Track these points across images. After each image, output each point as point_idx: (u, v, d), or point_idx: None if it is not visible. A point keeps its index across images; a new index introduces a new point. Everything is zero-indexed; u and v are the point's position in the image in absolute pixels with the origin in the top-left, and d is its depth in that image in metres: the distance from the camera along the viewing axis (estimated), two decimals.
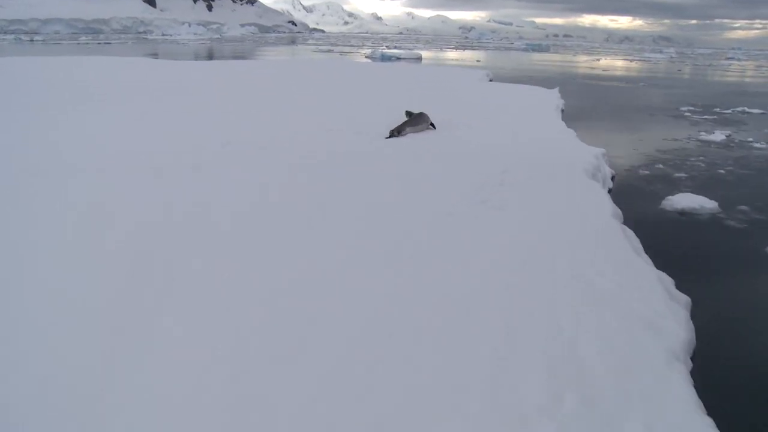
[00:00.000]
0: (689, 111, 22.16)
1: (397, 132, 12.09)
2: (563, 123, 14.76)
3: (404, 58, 54.33)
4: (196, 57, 53.87)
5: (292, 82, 23.17)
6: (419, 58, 54.54)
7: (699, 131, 17.17)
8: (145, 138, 11.09)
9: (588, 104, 23.58)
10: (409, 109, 13.53)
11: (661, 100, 27.01)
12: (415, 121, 12.67)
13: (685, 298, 5.47)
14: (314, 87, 21.32)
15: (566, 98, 21.18)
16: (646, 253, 6.42)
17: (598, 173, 9.62)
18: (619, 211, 7.57)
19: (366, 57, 57.58)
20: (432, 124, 13.00)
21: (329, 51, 72.29)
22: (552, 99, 19.29)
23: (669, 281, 5.71)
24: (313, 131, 12.39)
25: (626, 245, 6.16)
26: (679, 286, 5.75)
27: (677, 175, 11.84)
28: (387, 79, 25.79)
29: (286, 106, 16.08)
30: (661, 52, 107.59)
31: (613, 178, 10.70)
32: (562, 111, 18.62)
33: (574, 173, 8.85)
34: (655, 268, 5.89)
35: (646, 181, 11.28)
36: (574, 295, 5.02)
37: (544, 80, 34.62)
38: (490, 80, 29.56)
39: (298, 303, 4.76)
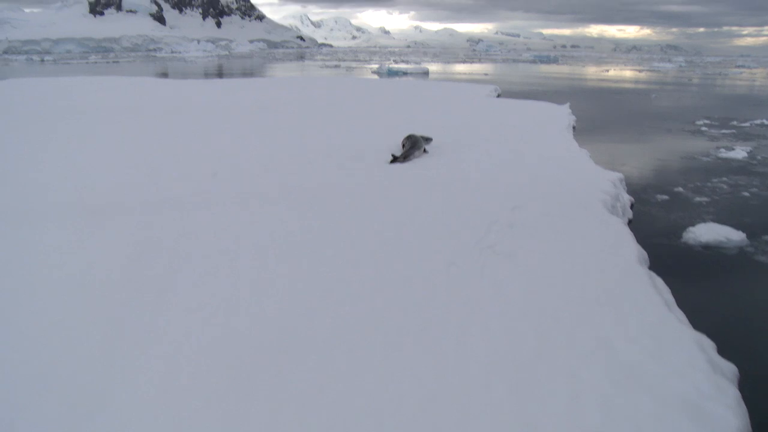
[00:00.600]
0: (705, 124, 21.26)
1: (402, 157, 11.32)
2: (576, 142, 13.92)
3: (411, 73, 53.79)
4: (198, 75, 53.54)
5: (293, 100, 22.51)
6: (426, 73, 53.97)
7: (718, 147, 16.27)
8: (123, 171, 10.38)
9: (600, 119, 22.71)
10: (413, 133, 12.75)
11: (675, 112, 26.11)
12: (418, 144, 11.91)
13: (731, 368, 4.61)
14: (316, 105, 20.63)
15: (577, 113, 20.36)
16: (679, 306, 5.55)
17: (617, 203, 8.77)
18: (645, 254, 6.66)
19: (373, 72, 57.06)
20: (424, 149, 12.24)
21: (336, 66, 71.91)
22: (563, 115, 18.47)
23: (710, 345, 4.84)
24: (310, 156, 11.65)
25: (657, 299, 5.29)
26: (722, 351, 4.88)
27: (698, 199, 10.97)
28: (391, 96, 25.11)
29: (283, 127, 15.37)
30: (669, 61, 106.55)
31: (632, 206, 9.84)
32: (574, 128, 17.80)
33: (593, 208, 7.99)
34: (692, 329, 5.02)
35: (666, 208, 10.40)
36: (599, 373, 4.18)
37: (554, 93, 33.87)
38: (498, 95, 28.82)
39: (281, 375, 3.97)
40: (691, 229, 8.80)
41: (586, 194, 8.63)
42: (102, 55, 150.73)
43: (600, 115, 23.85)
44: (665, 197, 11.10)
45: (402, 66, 62.55)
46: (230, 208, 7.95)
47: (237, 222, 7.34)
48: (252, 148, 12.56)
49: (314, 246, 6.45)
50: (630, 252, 6.27)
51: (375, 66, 66.11)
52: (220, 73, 56.05)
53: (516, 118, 17.83)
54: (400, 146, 12.28)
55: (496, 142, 13.33)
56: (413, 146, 11.72)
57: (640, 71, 71.81)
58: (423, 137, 12.57)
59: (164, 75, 50.59)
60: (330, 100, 22.66)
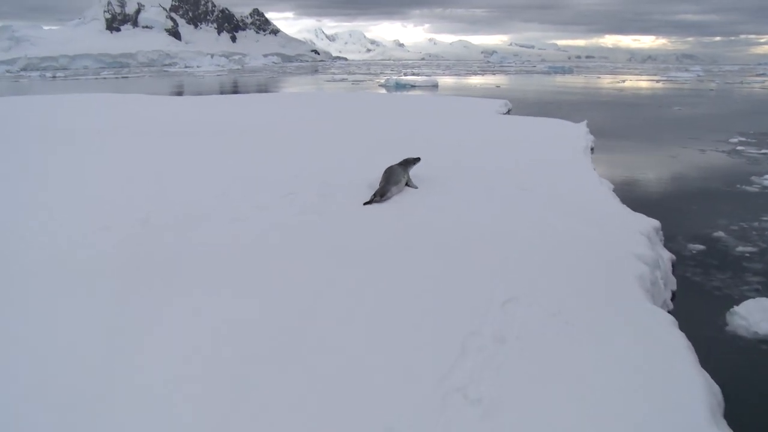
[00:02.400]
0: (741, 142, 18.87)
1: (380, 195, 9.14)
2: (595, 172, 11.62)
3: (420, 86, 51.74)
4: (192, 91, 51.92)
5: (281, 119, 20.43)
6: (435, 86, 51.85)
7: (761, 174, 13.85)
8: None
9: (620, 138, 20.30)
10: (393, 165, 10.54)
11: (703, 127, 23.69)
12: (395, 177, 9.72)
13: None
14: (303, 125, 18.52)
15: (595, 130, 18.06)
16: None
17: (657, 272, 6.51)
18: (716, 391, 4.29)
19: (380, 86, 55.09)
20: (407, 182, 10.09)
21: (343, 80, 70.07)
22: (579, 135, 16.18)
23: None
24: (263, 195, 9.50)
25: None
26: None
27: (741, 248, 8.73)
28: (391, 113, 22.96)
29: (244, 154, 13.23)
30: (687, 70, 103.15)
31: (673, 267, 7.57)
32: (592, 149, 15.51)
33: (626, 292, 5.61)
34: None
35: (709, 274, 8.04)
36: None
37: (569, 107, 31.57)
38: (509, 111, 26.60)
39: None
40: (736, 311, 6.44)
41: (615, 263, 6.30)
42: (115, 70, 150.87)
43: (620, 133, 21.42)
44: (701, 247, 8.83)
45: (412, 78, 60.55)
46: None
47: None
48: (199, 180, 10.46)
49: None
50: (693, 396, 3.88)
51: (383, 79, 64.12)
52: (218, 89, 54.36)
53: (526, 139, 15.56)
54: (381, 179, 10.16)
55: (500, 173, 11.10)
56: (389, 181, 9.54)
57: (657, 81, 69.08)
58: (408, 160, 10.42)
59: (159, 92, 48.98)
60: (322, 119, 20.55)
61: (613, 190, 10.51)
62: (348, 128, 17.85)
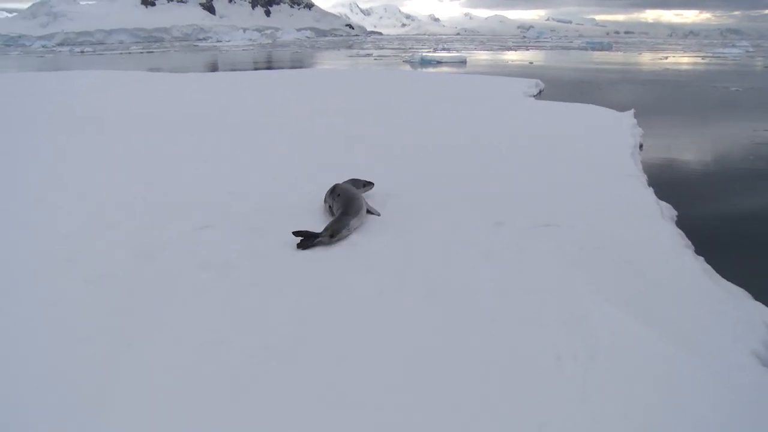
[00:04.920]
0: None
1: (329, 235, 6.26)
2: (652, 194, 8.54)
3: (447, 62, 48.32)
4: (205, 68, 49.38)
5: (273, 101, 17.61)
6: (464, 62, 48.37)
7: None
8: None
9: (674, 130, 16.86)
10: (339, 183, 7.66)
11: None
12: (355, 205, 6.84)
13: None
14: (291, 109, 15.69)
15: (642, 119, 14.79)
16: None
17: None
18: None
19: (405, 62, 51.80)
20: (366, 210, 7.05)
21: (367, 56, 66.74)
22: (624, 129, 12.99)
23: None
24: (173, 217, 6.78)
25: None
26: None
27: None
28: (404, 94, 19.92)
29: (224, 148, 10.52)
30: (733, 45, 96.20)
31: None
32: (641, 147, 12.38)
33: None
34: None
35: None
36: None
37: (609, 87, 28.03)
38: (540, 92, 23.33)
39: None
40: None
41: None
42: (145, 45, 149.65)
43: (675, 125, 17.92)
44: None
45: (440, 54, 57.05)
46: None
47: None
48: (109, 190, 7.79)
49: None
50: None
51: (408, 55, 60.63)
52: (230, 65, 51.66)
53: (555, 137, 12.45)
54: (325, 206, 7.35)
55: (511, 194, 8.15)
56: (348, 210, 6.69)
57: (702, 58, 63.87)
58: (358, 183, 7.64)
59: (171, 68, 46.55)
60: (321, 102, 17.67)
61: (677, 221, 7.48)
62: (348, 114, 14.94)
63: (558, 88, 26.36)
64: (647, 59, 61.76)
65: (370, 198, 7.57)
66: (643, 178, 9.24)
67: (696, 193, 10.18)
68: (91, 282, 5.36)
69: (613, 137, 12.10)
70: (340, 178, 7.79)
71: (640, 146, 12.42)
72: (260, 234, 6.55)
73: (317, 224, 6.69)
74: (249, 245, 6.23)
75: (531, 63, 51.03)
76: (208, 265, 5.77)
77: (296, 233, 6.22)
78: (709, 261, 5.95)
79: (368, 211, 7.10)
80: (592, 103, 17.78)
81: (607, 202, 7.61)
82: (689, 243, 6.40)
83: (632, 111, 15.43)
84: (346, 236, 6.43)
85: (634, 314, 4.55)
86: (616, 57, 66.98)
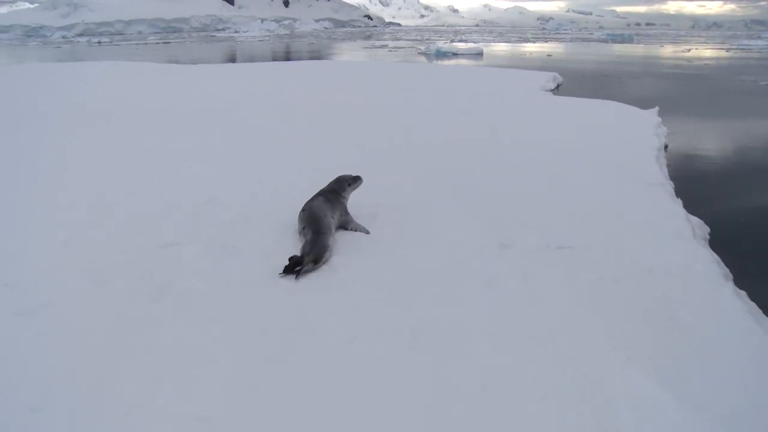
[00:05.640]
0: None
1: (313, 261, 5.42)
2: (676, 199, 7.64)
3: (463, 54, 47.15)
4: (226, 58, 48.67)
5: (280, 96, 16.78)
6: (480, 54, 47.14)
7: None
8: None
9: (704, 131, 15.63)
10: (344, 174, 6.85)
11: None
12: (323, 224, 5.96)
13: None
14: (297, 105, 14.83)
15: (667, 118, 13.75)
16: None
17: None
18: None
19: (420, 53, 50.73)
20: (350, 226, 6.37)
21: (383, 47, 65.64)
22: (648, 130, 12.00)
23: None
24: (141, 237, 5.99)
25: None
26: None
27: None
28: (412, 88, 19.00)
29: (223, 147, 9.73)
30: (759, 37, 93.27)
31: None
32: (666, 147, 11.41)
33: None
34: None
35: None
36: None
37: (630, 80, 26.85)
38: (558, 86, 22.28)
39: None
40: None
41: None
42: (162, 36, 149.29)
43: (699, 120, 16.78)
44: None
45: (456, 45, 55.88)
46: None
47: None
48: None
49: None
50: None
51: (423, 47, 59.52)
52: (250, 57, 50.91)
53: (575, 135, 11.53)
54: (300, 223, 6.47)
55: (526, 206, 7.27)
56: (320, 229, 5.83)
57: (727, 50, 61.79)
58: (343, 180, 6.73)
59: (180, 59, 45.93)
60: (327, 97, 16.81)
61: (710, 239, 6.56)
62: (332, 113, 14.07)
63: (577, 82, 25.28)
64: (669, 52, 60.06)
65: (361, 209, 6.74)
66: (670, 186, 8.31)
67: (729, 203, 9.19)
68: (21, 315, 4.59)
69: (636, 138, 11.15)
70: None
71: (665, 147, 11.44)
72: (231, 253, 5.75)
73: (295, 243, 5.88)
74: (216, 268, 5.44)
75: (549, 55, 49.72)
76: (163, 293, 4.98)
77: (287, 268, 5.37)
78: (753, 295, 5.03)
79: (355, 229, 6.28)
80: (612, 99, 16.74)
81: (629, 217, 6.70)
82: (728, 272, 5.47)
83: (656, 108, 14.35)
84: (328, 258, 5.62)
85: (664, 381, 3.66)
86: (637, 49, 65.30)
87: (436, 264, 5.41)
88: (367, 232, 6.26)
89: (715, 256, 5.76)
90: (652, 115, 13.60)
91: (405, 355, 3.99)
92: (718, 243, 6.42)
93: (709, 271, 5.19)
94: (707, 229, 6.79)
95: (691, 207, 7.46)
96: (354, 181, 6.67)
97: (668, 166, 9.94)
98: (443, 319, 4.44)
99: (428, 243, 5.89)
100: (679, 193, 8.10)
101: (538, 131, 11.79)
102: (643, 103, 15.57)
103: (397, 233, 6.18)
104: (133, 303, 4.83)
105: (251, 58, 46.55)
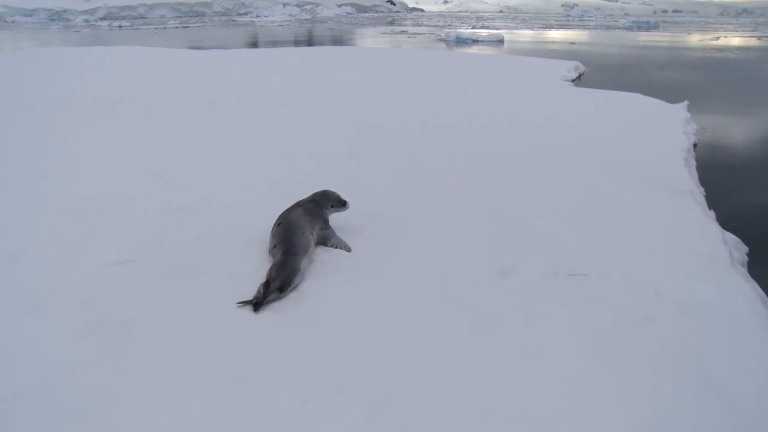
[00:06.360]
0: None
1: (278, 289, 4.62)
2: (709, 211, 6.73)
3: (483, 41, 45.89)
4: (243, 43, 47.87)
5: (289, 85, 15.96)
6: (501, 41, 45.85)
7: None
8: None
9: (737, 127, 14.34)
10: (328, 190, 5.99)
11: None
12: (301, 241, 5.15)
13: None
14: (304, 95, 14.00)
15: (695, 113, 12.68)
16: None
17: None
18: None
19: (439, 40, 49.54)
20: (330, 242, 5.58)
21: (402, 32, 64.41)
22: (675, 127, 10.99)
23: None
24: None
25: None
26: None
27: None
28: (424, 79, 18.05)
29: (218, 144, 8.93)
30: None
31: None
32: (695, 145, 10.44)
33: None
34: None
35: None
36: None
37: (656, 70, 25.56)
38: (580, 75, 21.19)
39: None
40: None
41: None
42: (182, 20, 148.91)
43: (731, 115, 15.61)
44: None
45: (475, 32, 54.50)
46: None
47: None
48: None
49: None
50: None
51: (443, 33, 58.19)
52: (266, 42, 50.07)
53: (595, 132, 10.57)
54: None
55: (535, 219, 6.39)
56: (292, 249, 5.01)
57: (758, 38, 59.42)
58: (328, 195, 5.89)
59: (194, 44, 45.25)
60: (336, 86, 15.96)
61: (749, 262, 5.65)
62: (338, 102, 13.20)
63: (600, 71, 24.10)
64: (697, 40, 58.01)
65: (350, 219, 5.94)
66: (701, 195, 7.38)
67: (759, 216, 8.17)
68: None
69: (662, 137, 10.17)
70: (324, 185, 6.12)
71: (695, 145, 10.46)
72: (189, 275, 4.98)
73: (264, 262, 5.10)
74: (165, 294, 4.67)
75: (572, 43, 48.21)
76: (99, 326, 4.24)
77: (243, 302, 4.57)
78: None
79: (335, 246, 5.47)
80: (637, 91, 15.64)
81: (654, 235, 5.80)
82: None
83: (685, 103, 13.25)
84: (298, 284, 4.82)
85: None
86: (663, 37, 63.24)
87: (422, 295, 4.58)
88: (349, 250, 5.45)
89: (759, 289, 4.85)
90: (680, 110, 12.55)
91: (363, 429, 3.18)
92: (759, 267, 5.51)
93: (752, 313, 4.30)
94: (745, 249, 5.88)
95: (725, 220, 6.55)
96: (339, 204, 5.84)
97: (698, 168, 8.97)
98: (420, 376, 3.62)
99: (417, 267, 5.06)
100: (711, 202, 7.17)
101: (552, 127, 10.85)
102: (671, 96, 14.49)
103: (383, 253, 5.36)
104: (63, 339, 4.09)
105: (269, 44, 45.69)
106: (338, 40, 51.50)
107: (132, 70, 19.54)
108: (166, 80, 17.24)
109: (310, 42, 48.99)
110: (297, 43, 46.86)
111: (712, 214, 6.65)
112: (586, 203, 6.69)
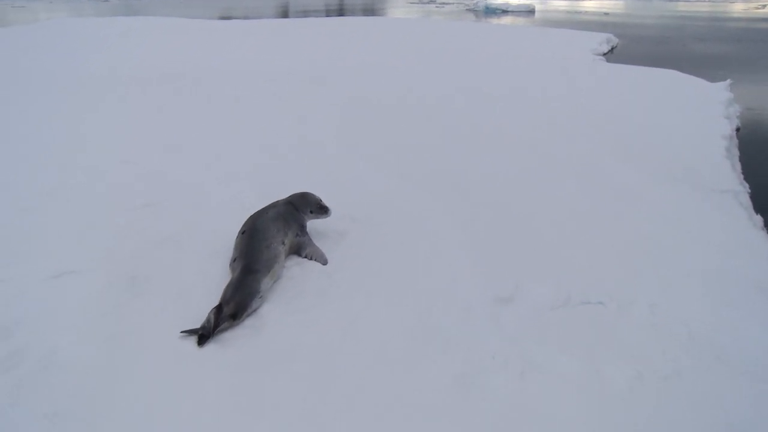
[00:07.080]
0: None
1: (230, 315, 3.86)
2: (755, 216, 5.80)
3: (513, 11, 44.23)
4: (268, 13, 46.90)
5: (307, 58, 15.11)
6: (531, 11, 44.19)
7: None
8: None
9: None
10: (307, 192, 5.18)
11: None
12: (269, 255, 4.37)
13: None
14: (322, 70, 13.16)
15: (738, 93, 11.50)
16: None
17: None
18: None
19: (468, 10, 47.92)
20: (305, 254, 4.78)
21: (430, 2, 62.58)
22: (716, 110, 9.90)
23: None
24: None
25: None
26: None
27: None
28: (445, 53, 17.02)
29: (219, 128, 8.18)
30: None
31: None
32: (738, 129, 9.39)
33: None
34: None
35: None
36: None
37: (695, 44, 23.98)
38: (612, 49, 19.93)
39: None
40: None
41: None
42: None
43: None
44: None
45: (505, 2, 52.59)
46: None
47: None
48: None
49: None
50: None
51: (471, 2, 56.32)
52: (289, 11, 48.99)
53: (625, 117, 9.55)
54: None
55: (546, 231, 5.52)
56: (252, 266, 4.23)
57: None
58: (308, 198, 5.10)
59: (221, 13, 44.40)
60: (351, 60, 15.08)
61: None
62: (351, 80, 12.32)
63: (634, 44, 22.71)
64: (741, 8, 55.27)
65: (332, 223, 5.16)
66: (745, 194, 6.42)
67: None
68: None
69: (701, 122, 9.14)
70: (310, 181, 5.33)
71: (738, 129, 9.40)
72: (137, 291, 4.29)
73: (225, 275, 4.36)
74: (103, 315, 4.00)
75: (606, 13, 46.18)
76: (16, 361, 3.54)
77: (188, 331, 3.83)
78: None
79: (310, 257, 4.70)
80: (673, 68, 14.42)
81: (688, 251, 4.90)
82: None
83: (728, 82, 12.01)
84: (257, 308, 4.07)
85: None
86: (704, 7, 60.44)
87: (400, 330, 3.79)
88: (325, 262, 4.67)
89: None
90: (721, 89, 11.37)
91: None
92: None
93: None
94: None
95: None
96: (319, 210, 5.04)
97: (741, 159, 7.96)
98: None
99: (400, 288, 4.27)
100: (758, 204, 6.21)
101: (576, 110, 9.85)
102: (711, 74, 13.30)
103: (363, 268, 4.57)
104: None
105: (302, 12, 44.50)
106: (369, 10, 50.14)
107: (137, 45, 18.82)
108: (174, 54, 16.50)
109: (341, 11, 47.75)
110: (328, 12, 45.66)
111: (759, 220, 5.71)
112: (608, 207, 5.78)
